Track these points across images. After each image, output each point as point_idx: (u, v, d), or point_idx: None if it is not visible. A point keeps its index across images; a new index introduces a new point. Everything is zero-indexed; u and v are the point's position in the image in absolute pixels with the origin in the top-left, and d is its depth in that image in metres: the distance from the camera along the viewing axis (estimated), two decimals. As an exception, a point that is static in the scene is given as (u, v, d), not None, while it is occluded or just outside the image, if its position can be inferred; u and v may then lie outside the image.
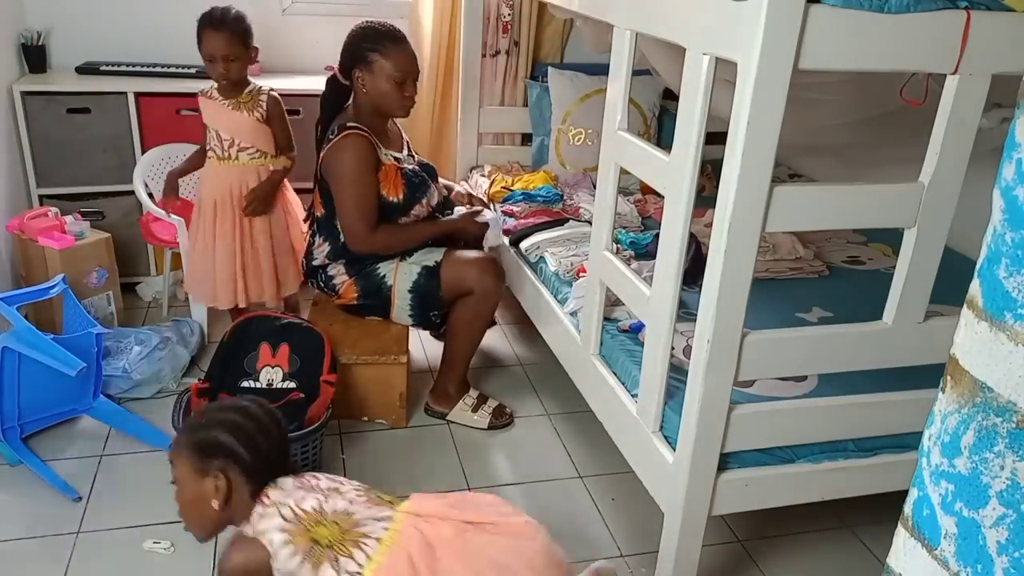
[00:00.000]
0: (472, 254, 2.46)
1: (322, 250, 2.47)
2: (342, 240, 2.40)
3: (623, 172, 1.91)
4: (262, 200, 2.55)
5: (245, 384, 2.28)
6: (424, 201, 2.45)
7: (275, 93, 2.57)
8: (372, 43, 2.32)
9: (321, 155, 2.38)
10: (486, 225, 2.56)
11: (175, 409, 2.15)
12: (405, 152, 2.51)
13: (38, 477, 2.13)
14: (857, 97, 2.33)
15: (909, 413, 1.77)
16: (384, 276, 2.42)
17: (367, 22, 2.39)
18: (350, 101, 2.43)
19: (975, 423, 0.73)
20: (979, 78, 1.46)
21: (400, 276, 2.41)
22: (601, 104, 2.01)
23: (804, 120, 2.41)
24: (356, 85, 2.36)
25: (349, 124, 2.31)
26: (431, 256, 2.42)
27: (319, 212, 2.46)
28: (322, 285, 2.51)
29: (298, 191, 2.93)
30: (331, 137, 2.33)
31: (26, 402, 2.20)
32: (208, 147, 2.57)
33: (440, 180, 2.70)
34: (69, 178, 2.99)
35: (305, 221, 2.61)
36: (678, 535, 1.72)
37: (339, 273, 2.45)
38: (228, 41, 2.41)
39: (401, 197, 2.39)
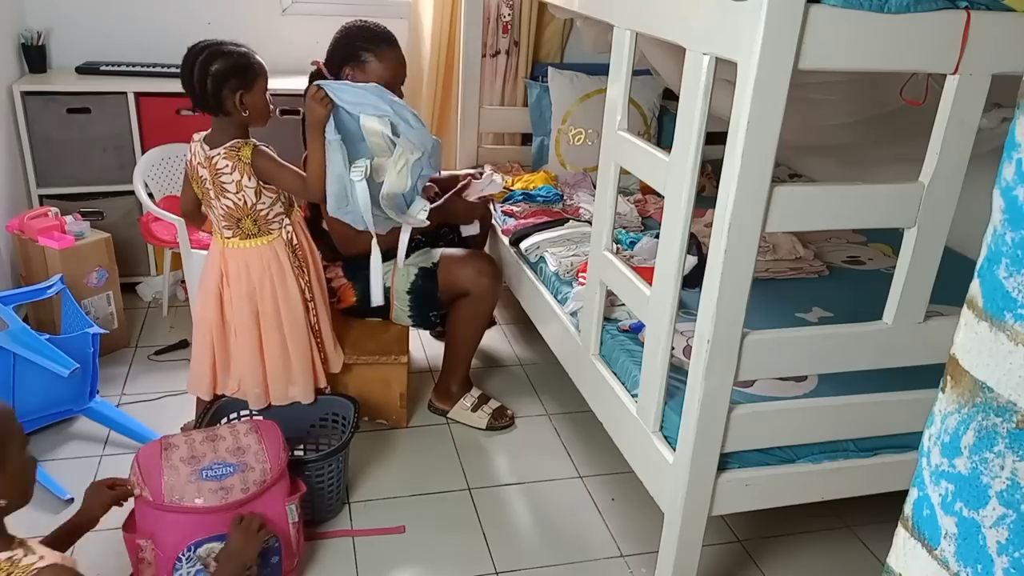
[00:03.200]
0: (469, 255, 2.46)
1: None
2: (331, 242, 2.40)
3: (623, 172, 1.91)
4: None
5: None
6: None
7: None
8: (367, 43, 2.31)
9: (305, 155, 2.37)
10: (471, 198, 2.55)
11: (200, 421, 2.10)
12: None
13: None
14: (857, 97, 2.33)
15: (909, 413, 1.77)
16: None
17: (361, 21, 2.38)
18: None
19: (975, 423, 0.73)
20: (979, 78, 1.46)
21: (398, 278, 2.41)
22: (601, 104, 2.01)
23: (804, 120, 2.41)
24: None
25: None
26: (428, 257, 2.42)
27: (306, 215, 2.45)
28: (321, 288, 2.51)
29: None
30: None
31: (21, 402, 2.20)
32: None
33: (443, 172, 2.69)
34: (69, 178, 2.99)
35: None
36: (678, 535, 1.72)
37: (337, 276, 2.45)
38: None
39: None
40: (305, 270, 2.13)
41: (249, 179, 1.95)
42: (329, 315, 2.26)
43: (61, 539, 1.63)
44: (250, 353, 2.10)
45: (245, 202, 1.97)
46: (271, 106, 2.03)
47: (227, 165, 1.94)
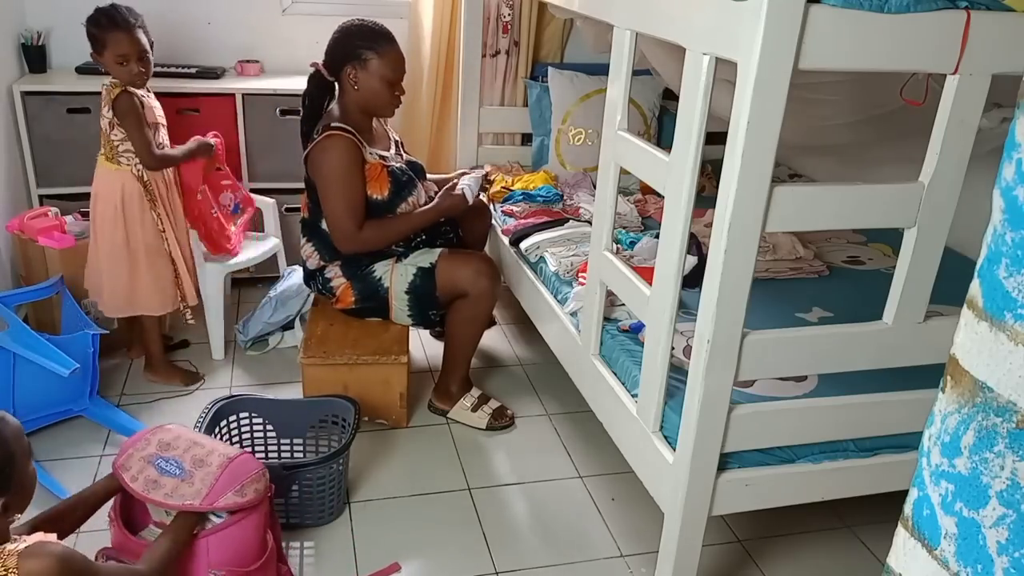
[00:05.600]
0: (468, 255, 2.46)
1: (311, 254, 2.47)
2: (329, 241, 2.40)
3: (623, 172, 1.91)
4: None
5: None
6: (411, 199, 2.43)
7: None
8: (368, 41, 2.31)
9: (304, 155, 2.37)
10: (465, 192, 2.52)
11: (200, 422, 2.07)
12: (392, 151, 2.49)
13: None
14: (857, 97, 2.33)
15: (909, 413, 1.77)
16: (380, 278, 2.42)
17: (359, 20, 2.38)
18: (334, 99, 2.42)
19: (975, 423, 0.73)
20: (979, 78, 1.46)
21: (396, 278, 2.41)
22: (601, 104, 2.01)
23: (804, 120, 2.41)
24: (346, 82, 2.35)
25: (333, 124, 2.30)
26: (426, 257, 2.42)
27: (305, 214, 2.46)
28: (320, 288, 2.51)
29: (288, 191, 2.94)
30: (315, 137, 2.33)
31: (21, 402, 2.20)
32: (163, 145, 2.51)
33: (434, 176, 2.69)
34: (69, 178, 2.98)
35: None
36: (678, 535, 1.72)
37: (336, 276, 2.45)
38: (138, 39, 2.35)
39: (386, 195, 2.37)
40: (157, 205, 2.48)
41: (107, 110, 2.39)
42: (187, 252, 2.60)
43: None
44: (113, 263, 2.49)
45: (104, 128, 2.41)
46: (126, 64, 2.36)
47: (103, 95, 2.41)
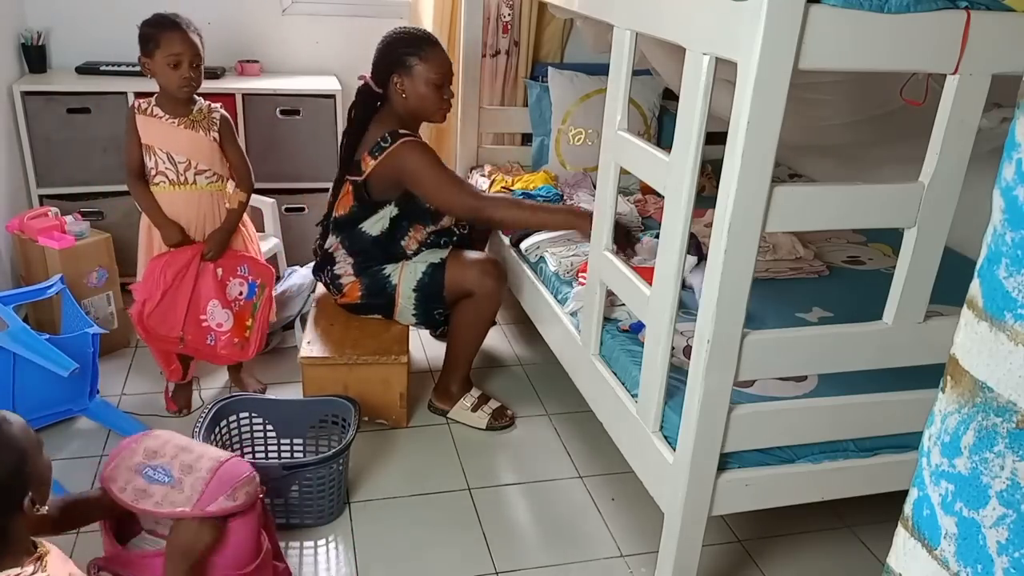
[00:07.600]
0: (475, 256, 2.47)
1: (336, 247, 2.48)
2: (361, 239, 2.42)
3: (623, 172, 1.92)
4: (222, 243, 2.35)
5: None
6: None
7: (225, 112, 2.37)
8: (410, 47, 2.33)
9: (378, 162, 2.33)
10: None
11: (200, 422, 2.06)
12: None
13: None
14: (857, 97, 2.33)
15: (909, 413, 1.77)
16: (389, 276, 2.43)
17: (401, 28, 2.42)
18: (383, 110, 2.42)
19: (975, 423, 0.73)
20: (979, 78, 1.46)
21: (405, 276, 2.42)
22: (601, 104, 2.01)
23: (804, 120, 2.41)
24: (394, 91, 2.36)
25: (401, 131, 2.33)
26: (437, 255, 2.43)
27: (339, 212, 2.46)
28: (327, 282, 2.52)
29: (312, 191, 2.93)
30: (385, 145, 2.32)
31: (21, 402, 2.20)
32: (154, 172, 2.29)
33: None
34: (69, 178, 2.99)
35: (318, 225, 2.62)
36: (678, 535, 1.72)
37: (346, 273, 2.46)
38: (193, 43, 2.22)
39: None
40: None
41: None
42: None
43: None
44: None
45: None
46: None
47: None
